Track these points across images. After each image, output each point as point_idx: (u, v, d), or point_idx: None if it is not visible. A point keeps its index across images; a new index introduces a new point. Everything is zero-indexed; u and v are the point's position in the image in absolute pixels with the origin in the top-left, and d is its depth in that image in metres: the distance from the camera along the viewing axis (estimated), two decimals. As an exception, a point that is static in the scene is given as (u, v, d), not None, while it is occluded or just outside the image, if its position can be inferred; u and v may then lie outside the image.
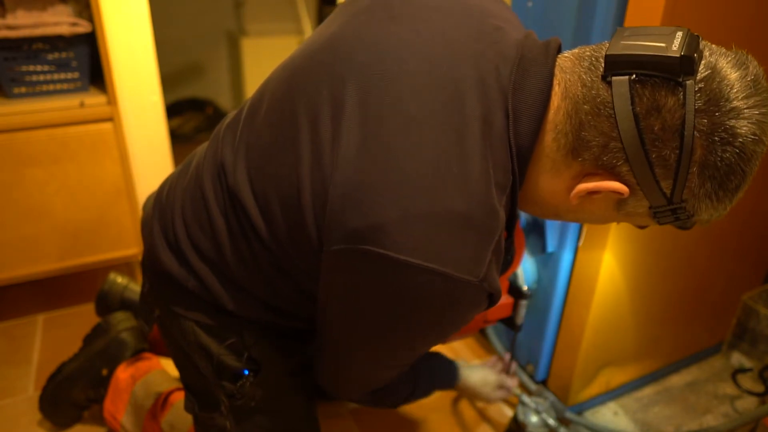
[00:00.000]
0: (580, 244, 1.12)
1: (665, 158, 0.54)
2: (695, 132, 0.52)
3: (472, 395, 1.13)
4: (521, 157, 0.60)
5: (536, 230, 1.15)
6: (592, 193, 0.59)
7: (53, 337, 1.47)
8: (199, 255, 0.72)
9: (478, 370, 1.11)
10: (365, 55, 0.61)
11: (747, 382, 1.41)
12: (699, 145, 0.52)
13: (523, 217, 1.15)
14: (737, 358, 1.48)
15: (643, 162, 0.54)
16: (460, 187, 0.56)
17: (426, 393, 0.94)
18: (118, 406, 1.13)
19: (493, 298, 0.61)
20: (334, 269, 0.61)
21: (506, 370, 1.19)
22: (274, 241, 0.66)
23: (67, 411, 1.19)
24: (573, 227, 1.11)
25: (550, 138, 0.59)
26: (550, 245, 1.13)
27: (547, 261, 1.18)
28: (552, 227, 1.12)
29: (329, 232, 0.58)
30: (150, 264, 0.79)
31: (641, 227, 0.68)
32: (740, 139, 0.52)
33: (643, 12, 0.87)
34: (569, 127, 0.57)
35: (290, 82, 0.66)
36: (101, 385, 1.15)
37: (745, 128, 0.51)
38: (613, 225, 1.05)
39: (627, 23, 0.91)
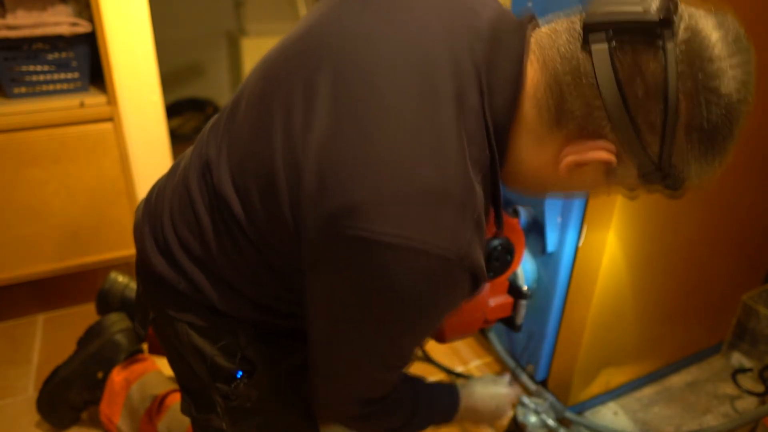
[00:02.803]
0: (580, 244, 1.12)
1: (651, 123, 0.53)
2: (679, 95, 0.52)
3: (480, 416, 0.99)
4: (498, 132, 0.60)
5: (536, 230, 1.15)
6: (580, 165, 0.59)
7: (53, 337, 1.47)
8: (189, 255, 0.72)
9: (483, 385, 1.00)
10: (339, 45, 0.61)
11: (747, 382, 1.41)
12: (684, 107, 0.52)
13: (524, 217, 1.15)
14: (737, 358, 1.48)
15: (628, 128, 0.54)
16: (435, 164, 0.55)
17: (427, 420, 0.86)
18: (113, 409, 1.13)
19: (477, 280, 0.60)
20: (314, 261, 0.60)
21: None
22: (256, 233, 0.66)
23: (64, 413, 1.19)
24: (573, 227, 1.11)
25: (532, 112, 0.59)
26: (550, 245, 1.13)
27: (547, 261, 1.18)
28: (552, 227, 1.12)
29: (304, 219, 0.58)
30: (142, 267, 0.79)
31: (632, 198, 0.67)
32: (725, 99, 0.51)
33: (643, 12, 0.87)
34: (551, 100, 0.57)
35: (266, 76, 0.67)
36: (97, 387, 1.15)
37: (729, 87, 0.51)
38: (613, 224, 1.05)
39: (627, 23, 0.91)
